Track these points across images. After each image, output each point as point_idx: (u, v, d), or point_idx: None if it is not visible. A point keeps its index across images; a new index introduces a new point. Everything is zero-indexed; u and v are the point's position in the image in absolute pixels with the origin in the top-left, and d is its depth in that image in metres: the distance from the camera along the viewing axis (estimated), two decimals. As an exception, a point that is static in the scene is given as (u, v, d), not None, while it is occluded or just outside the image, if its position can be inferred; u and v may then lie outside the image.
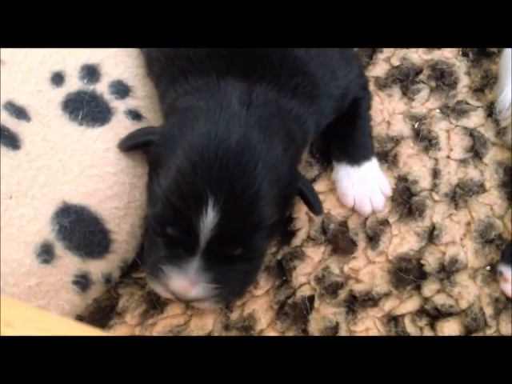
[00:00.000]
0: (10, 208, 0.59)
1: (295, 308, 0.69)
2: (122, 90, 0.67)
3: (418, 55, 0.82)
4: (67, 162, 0.62)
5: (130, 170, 0.64)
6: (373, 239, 0.71)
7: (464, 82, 0.81)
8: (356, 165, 0.71)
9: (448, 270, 0.70)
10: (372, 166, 0.72)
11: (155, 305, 0.67)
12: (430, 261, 0.71)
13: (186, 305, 0.67)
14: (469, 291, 0.69)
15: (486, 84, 0.81)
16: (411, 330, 0.68)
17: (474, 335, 0.67)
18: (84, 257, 0.61)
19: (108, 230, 0.62)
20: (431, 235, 0.72)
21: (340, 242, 0.71)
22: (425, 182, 0.74)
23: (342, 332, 0.68)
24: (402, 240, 0.72)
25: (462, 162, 0.76)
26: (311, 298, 0.69)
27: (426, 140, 0.77)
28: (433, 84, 0.81)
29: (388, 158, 0.75)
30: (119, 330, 0.67)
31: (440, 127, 0.78)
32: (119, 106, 0.66)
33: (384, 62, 0.82)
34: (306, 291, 0.70)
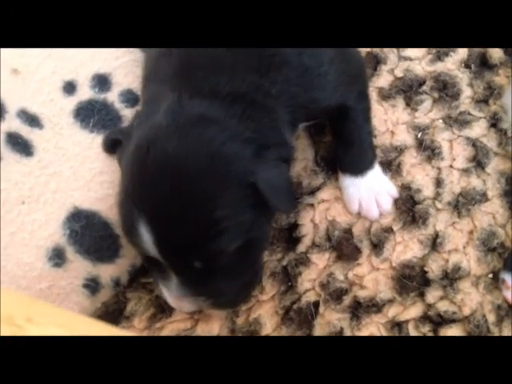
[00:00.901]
0: (22, 213, 0.60)
1: (300, 313, 0.70)
2: (131, 98, 0.68)
3: (421, 67, 0.84)
4: (78, 169, 0.64)
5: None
6: (377, 246, 0.72)
7: (466, 93, 0.82)
8: (360, 175, 0.72)
9: (451, 278, 0.71)
10: (375, 173, 0.73)
11: (163, 309, 0.69)
12: (434, 268, 0.72)
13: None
14: (471, 298, 0.70)
15: (489, 95, 0.82)
16: (414, 336, 0.69)
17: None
18: (94, 261, 0.62)
19: (117, 235, 0.64)
20: (434, 243, 0.73)
21: (344, 248, 0.72)
22: (428, 191, 0.76)
23: (347, 338, 0.69)
24: (406, 247, 0.73)
25: (465, 171, 0.77)
26: (316, 304, 0.70)
27: (429, 150, 0.78)
28: (436, 95, 0.82)
29: (392, 167, 0.77)
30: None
31: (443, 137, 0.79)
32: (129, 114, 0.68)
33: (388, 73, 0.83)
34: (311, 297, 0.71)
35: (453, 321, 0.69)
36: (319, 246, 0.73)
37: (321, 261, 0.72)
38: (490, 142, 0.79)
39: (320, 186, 0.76)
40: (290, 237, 0.73)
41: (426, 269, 0.71)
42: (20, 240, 0.59)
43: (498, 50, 0.85)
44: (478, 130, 0.80)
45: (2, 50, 0.66)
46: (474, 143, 0.79)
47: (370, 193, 0.73)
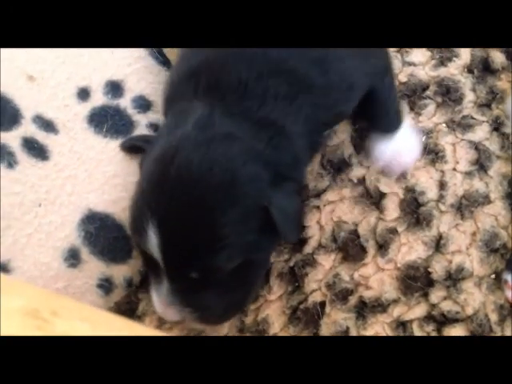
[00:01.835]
0: (39, 215, 0.63)
1: (307, 313, 0.72)
2: (144, 104, 0.70)
3: (424, 72, 0.86)
4: (92, 172, 0.66)
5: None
6: (382, 247, 0.74)
7: (469, 97, 0.84)
8: (388, 136, 0.75)
9: (454, 278, 0.73)
10: (402, 134, 0.75)
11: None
12: (437, 269, 0.73)
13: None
14: (474, 298, 0.72)
15: (491, 99, 0.84)
16: (419, 334, 0.71)
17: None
18: (108, 262, 0.64)
19: (130, 236, 0.66)
20: (438, 244, 0.75)
21: (350, 249, 0.74)
22: (432, 193, 0.77)
23: (352, 337, 0.71)
24: (410, 249, 0.75)
25: (468, 174, 0.79)
26: (322, 304, 0.72)
27: (432, 153, 0.80)
28: (439, 99, 0.84)
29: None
30: (139, 332, 0.70)
31: (446, 141, 0.81)
32: (141, 119, 0.70)
33: (392, 78, 0.85)
34: (317, 297, 0.72)
35: (456, 320, 0.71)
36: (325, 247, 0.74)
37: (327, 262, 0.74)
38: (493, 145, 0.81)
39: (326, 188, 0.78)
40: (297, 238, 0.75)
41: (429, 270, 0.73)
42: (37, 241, 0.62)
43: (500, 55, 0.87)
44: (481, 133, 0.82)
45: (18, 56, 0.68)
46: (476, 147, 0.80)
47: (395, 153, 0.75)
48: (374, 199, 0.77)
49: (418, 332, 0.71)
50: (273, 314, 0.72)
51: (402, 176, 0.78)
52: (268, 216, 0.56)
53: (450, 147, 0.81)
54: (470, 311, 0.71)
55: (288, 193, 0.60)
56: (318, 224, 0.76)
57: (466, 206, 0.76)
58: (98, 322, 0.38)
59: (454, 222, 0.76)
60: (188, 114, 0.57)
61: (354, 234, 0.75)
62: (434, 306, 0.72)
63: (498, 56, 0.87)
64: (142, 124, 0.70)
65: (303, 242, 0.75)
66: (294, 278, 0.73)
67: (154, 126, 0.70)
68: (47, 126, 0.66)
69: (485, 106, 0.84)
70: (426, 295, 0.72)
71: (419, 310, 0.72)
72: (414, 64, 0.86)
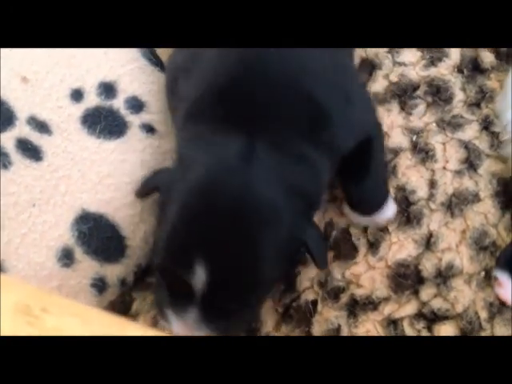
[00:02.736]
0: (33, 215, 0.63)
1: (299, 311, 0.73)
2: (136, 105, 0.71)
3: (415, 72, 0.87)
4: (86, 173, 0.66)
5: (144, 180, 0.69)
6: (373, 245, 0.75)
7: (459, 97, 0.85)
8: (373, 214, 0.73)
9: (444, 276, 0.74)
10: (388, 209, 0.74)
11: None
12: (427, 266, 0.74)
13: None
14: (464, 295, 0.73)
15: (481, 99, 0.85)
16: (409, 332, 0.72)
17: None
18: (101, 261, 0.65)
19: (123, 236, 0.67)
20: (428, 242, 0.76)
21: (342, 248, 0.75)
22: (422, 192, 0.78)
23: (344, 334, 0.71)
24: (401, 247, 0.76)
25: (458, 172, 0.80)
26: (314, 302, 0.73)
27: (423, 152, 0.81)
28: (429, 99, 0.85)
29: (388, 169, 0.80)
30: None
31: (436, 140, 0.82)
32: (134, 120, 0.70)
33: (383, 78, 0.86)
34: (309, 295, 0.73)
35: (446, 317, 0.72)
36: (317, 246, 0.75)
37: (319, 260, 0.75)
38: (482, 144, 0.82)
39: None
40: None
41: (420, 267, 0.74)
42: (31, 241, 0.62)
43: (489, 55, 0.88)
44: (471, 132, 0.83)
45: (12, 58, 0.69)
46: (466, 145, 0.81)
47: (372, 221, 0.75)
48: (366, 198, 0.78)
49: (408, 330, 0.72)
50: (266, 313, 0.72)
51: (393, 175, 0.79)
52: (298, 246, 0.60)
53: (440, 146, 0.82)
54: (459, 309, 0.72)
55: (314, 223, 0.64)
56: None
57: (456, 204, 0.77)
58: (89, 317, 0.39)
59: (444, 220, 0.77)
60: (224, 143, 0.57)
61: (346, 232, 0.76)
62: (424, 303, 0.73)
63: (487, 55, 0.87)
64: (135, 125, 0.70)
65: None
66: (287, 277, 0.74)
67: (146, 127, 0.71)
68: (41, 127, 0.67)
69: (474, 105, 0.85)
70: (416, 293, 0.73)
71: (410, 308, 0.73)
72: (405, 64, 0.87)
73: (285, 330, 0.72)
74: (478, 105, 0.84)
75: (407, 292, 0.73)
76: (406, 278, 0.74)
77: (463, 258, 0.75)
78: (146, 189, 0.65)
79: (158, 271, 0.59)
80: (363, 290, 0.73)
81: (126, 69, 0.72)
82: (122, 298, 0.72)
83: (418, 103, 0.84)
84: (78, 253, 0.64)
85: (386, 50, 0.87)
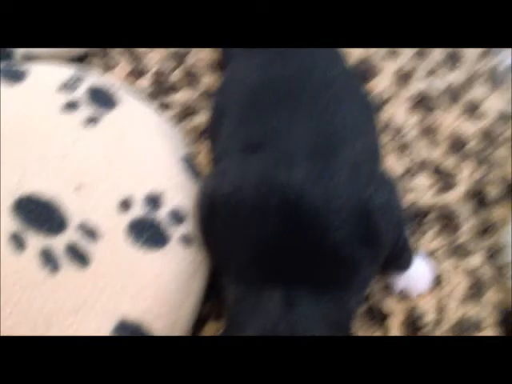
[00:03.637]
0: (76, 322, 0.67)
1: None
2: (178, 217, 0.76)
3: (425, 199, 0.94)
4: (127, 282, 0.71)
5: (178, 292, 0.74)
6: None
7: (466, 225, 0.92)
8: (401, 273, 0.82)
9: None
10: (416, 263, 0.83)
11: None
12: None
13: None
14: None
15: (487, 229, 0.92)
16: None
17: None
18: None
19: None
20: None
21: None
22: (429, 317, 0.84)
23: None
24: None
25: (462, 300, 0.86)
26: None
27: (431, 278, 0.87)
28: (438, 226, 0.92)
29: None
30: None
31: (444, 266, 0.88)
32: (174, 232, 0.75)
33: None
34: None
35: None
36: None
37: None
38: (487, 273, 0.88)
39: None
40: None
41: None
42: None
43: (495, 187, 0.95)
44: (476, 260, 0.90)
45: (67, 167, 0.74)
46: (472, 273, 0.88)
47: (409, 281, 0.83)
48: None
49: None
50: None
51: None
52: None
53: (447, 273, 0.88)
54: None
55: None
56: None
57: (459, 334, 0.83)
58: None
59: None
60: (259, 302, 0.62)
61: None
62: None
63: (493, 188, 0.95)
64: (174, 237, 0.75)
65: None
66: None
67: (185, 239, 0.76)
68: (90, 233, 0.72)
69: (481, 234, 0.92)
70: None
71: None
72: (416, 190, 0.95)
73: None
74: (484, 235, 0.91)
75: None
76: None
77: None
78: None
79: None
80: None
81: (173, 181, 0.77)
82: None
83: (427, 229, 0.91)
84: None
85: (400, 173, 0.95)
